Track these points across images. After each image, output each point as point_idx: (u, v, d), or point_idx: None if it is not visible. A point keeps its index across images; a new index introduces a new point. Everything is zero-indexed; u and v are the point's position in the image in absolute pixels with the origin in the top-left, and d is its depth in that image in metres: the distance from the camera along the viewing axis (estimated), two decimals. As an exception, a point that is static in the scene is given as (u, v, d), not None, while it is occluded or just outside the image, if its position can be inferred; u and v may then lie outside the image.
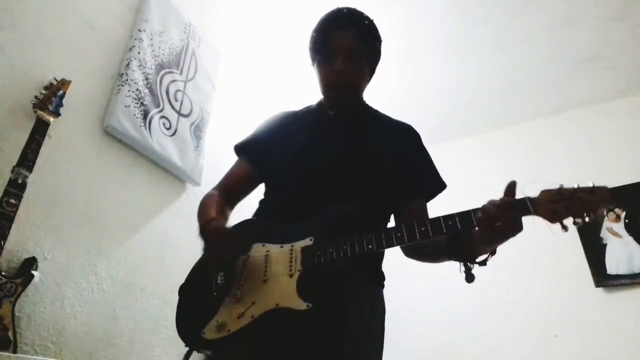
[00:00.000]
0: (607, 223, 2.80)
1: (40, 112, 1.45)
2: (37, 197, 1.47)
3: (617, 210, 2.81)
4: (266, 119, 1.26)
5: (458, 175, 3.68)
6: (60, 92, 1.51)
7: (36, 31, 1.61)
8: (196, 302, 0.95)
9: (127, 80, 1.88)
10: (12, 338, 1.24)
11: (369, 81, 1.17)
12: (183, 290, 1.00)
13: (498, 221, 0.77)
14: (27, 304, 1.37)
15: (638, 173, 2.83)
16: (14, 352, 1.24)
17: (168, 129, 2.06)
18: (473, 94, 3.20)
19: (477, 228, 0.80)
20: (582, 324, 2.62)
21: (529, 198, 0.77)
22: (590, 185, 0.74)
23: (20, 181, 1.32)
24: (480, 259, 0.86)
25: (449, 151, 3.57)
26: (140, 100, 1.93)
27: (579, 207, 0.73)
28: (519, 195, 0.79)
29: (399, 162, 1.08)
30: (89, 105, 1.76)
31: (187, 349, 0.91)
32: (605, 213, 2.84)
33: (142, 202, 1.92)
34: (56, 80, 1.54)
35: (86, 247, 1.61)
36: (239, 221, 1.06)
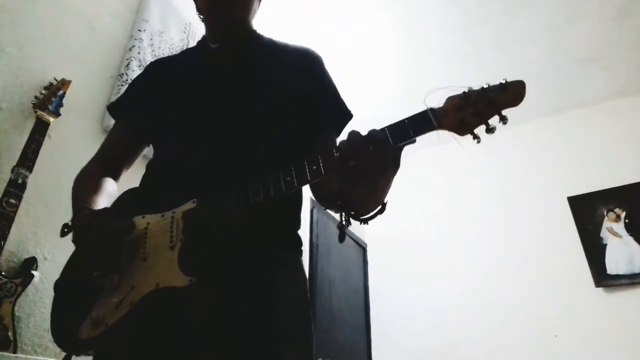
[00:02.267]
0: (607, 223, 2.81)
1: (40, 112, 1.45)
2: (37, 197, 1.47)
3: (617, 210, 2.81)
4: (143, 69, 1.07)
5: (459, 175, 3.69)
6: (60, 92, 1.51)
7: (36, 31, 1.61)
8: (72, 297, 0.80)
9: (127, 80, 1.88)
10: (12, 338, 1.24)
11: (258, 6, 1.00)
12: (58, 286, 0.83)
13: (352, 158, 0.64)
14: (27, 304, 1.37)
15: (638, 173, 2.84)
16: (14, 352, 1.24)
17: (168, 129, 2.07)
18: (473, 94, 3.20)
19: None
20: (582, 324, 2.62)
21: (431, 109, 0.64)
22: (502, 81, 0.63)
23: (20, 181, 1.32)
24: (366, 216, 0.72)
25: (449, 151, 3.57)
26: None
27: (490, 110, 0.62)
28: (421, 107, 0.66)
29: (296, 93, 0.90)
30: (89, 105, 1.76)
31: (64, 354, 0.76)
32: (605, 213, 2.84)
33: (142, 202, 1.92)
34: (56, 80, 1.54)
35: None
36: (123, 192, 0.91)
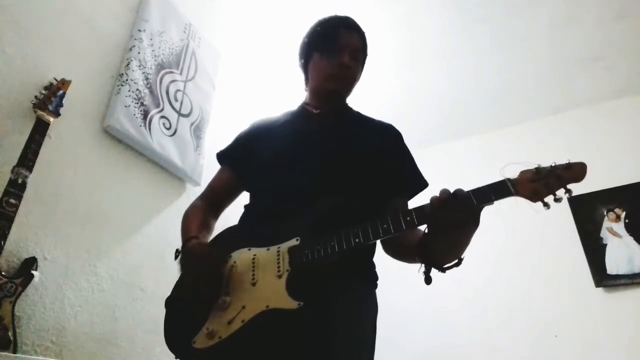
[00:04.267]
0: (607, 223, 2.80)
1: (40, 112, 1.45)
2: (37, 197, 1.47)
3: (617, 210, 2.81)
4: (248, 125, 1.27)
5: (458, 175, 3.69)
6: (60, 92, 1.51)
7: (36, 31, 1.61)
8: (184, 312, 0.94)
9: (127, 80, 1.88)
10: (12, 338, 1.24)
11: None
12: (170, 302, 0.98)
13: (441, 211, 0.78)
14: (27, 304, 1.37)
15: (638, 173, 2.84)
16: (14, 352, 1.24)
17: (168, 128, 2.06)
18: (473, 94, 3.20)
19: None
20: (582, 324, 2.62)
21: (509, 179, 0.79)
22: (566, 162, 0.77)
23: (20, 181, 1.32)
24: (446, 265, 0.86)
25: (449, 151, 3.57)
26: (140, 100, 1.93)
27: (558, 183, 0.75)
28: (498, 177, 0.79)
29: (382, 161, 1.07)
30: (89, 105, 1.76)
31: None
32: (605, 213, 2.84)
33: (142, 202, 1.92)
34: (56, 80, 1.54)
35: (86, 247, 1.61)
36: (223, 229, 1.06)
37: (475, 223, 0.81)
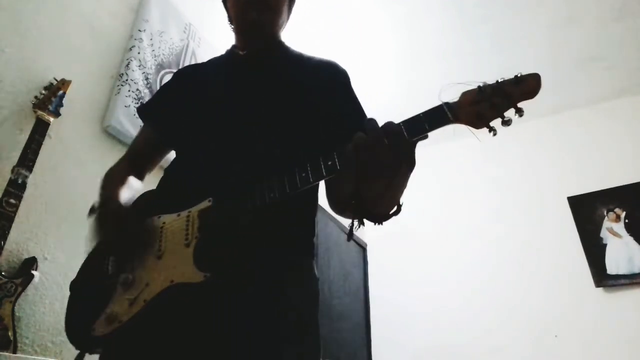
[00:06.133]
0: (607, 223, 2.81)
1: (40, 112, 1.45)
2: (37, 197, 1.47)
3: (617, 210, 2.81)
4: (172, 75, 1.11)
5: (458, 175, 3.69)
6: (60, 92, 1.51)
7: (36, 31, 1.61)
8: (87, 296, 0.81)
9: (127, 80, 1.88)
10: (12, 338, 1.24)
11: (286, 21, 1.04)
12: (74, 285, 0.85)
13: (367, 151, 0.62)
14: (27, 304, 1.37)
15: (638, 173, 2.84)
16: (14, 352, 1.24)
17: (168, 129, 2.07)
18: (473, 94, 3.20)
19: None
20: (582, 324, 2.62)
21: (446, 103, 0.63)
22: (517, 75, 0.63)
23: (20, 181, 1.32)
24: (383, 214, 0.69)
25: (449, 151, 3.57)
26: (140, 100, 1.93)
27: (506, 102, 0.62)
28: (436, 102, 0.64)
29: (318, 100, 0.91)
30: (89, 105, 1.76)
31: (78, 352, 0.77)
32: (605, 213, 2.84)
33: (142, 202, 1.92)
34: (56, 80, 1.54)
35: (86, 247, 1.61)
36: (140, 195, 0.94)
37: (411, 163, 0.64)
